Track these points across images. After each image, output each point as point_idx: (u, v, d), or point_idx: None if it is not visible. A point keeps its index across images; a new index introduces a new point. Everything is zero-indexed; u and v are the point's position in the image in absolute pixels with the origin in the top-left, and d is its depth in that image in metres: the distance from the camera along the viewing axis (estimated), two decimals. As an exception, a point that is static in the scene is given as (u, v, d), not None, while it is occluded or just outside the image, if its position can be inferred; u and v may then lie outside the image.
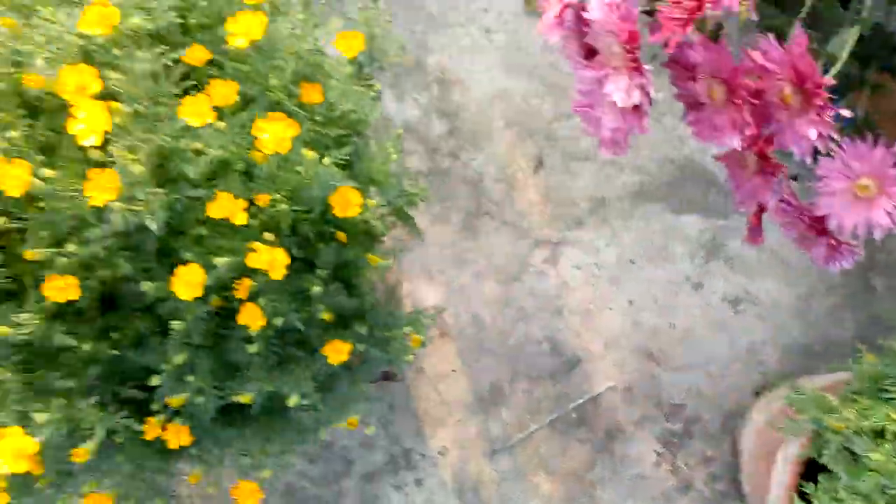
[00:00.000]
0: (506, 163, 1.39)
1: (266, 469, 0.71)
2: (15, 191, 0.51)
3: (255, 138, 0.57)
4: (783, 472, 0.98)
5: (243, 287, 0.61)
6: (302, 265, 0.69)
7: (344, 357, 0.67)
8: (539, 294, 1.37)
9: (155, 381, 0.61)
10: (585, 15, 0.76)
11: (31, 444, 0.50)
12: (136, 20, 0.57)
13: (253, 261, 0.59)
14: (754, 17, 0.71)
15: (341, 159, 0.64)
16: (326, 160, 0.61)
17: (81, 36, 0.56)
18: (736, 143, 0.71)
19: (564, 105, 1.40)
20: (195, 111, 0.55)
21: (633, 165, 1.39)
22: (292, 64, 0.62)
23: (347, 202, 0.64)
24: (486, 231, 1.37)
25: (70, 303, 0.55)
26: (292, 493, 1.31)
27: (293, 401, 0.65)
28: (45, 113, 0.57)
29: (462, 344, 1.36)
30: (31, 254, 0.54)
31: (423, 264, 1.36)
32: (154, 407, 0.64)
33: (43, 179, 0.51)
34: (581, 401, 1.36)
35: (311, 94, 0.65)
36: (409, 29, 1.39)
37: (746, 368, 1.36)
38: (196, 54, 0.60)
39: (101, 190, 0.52)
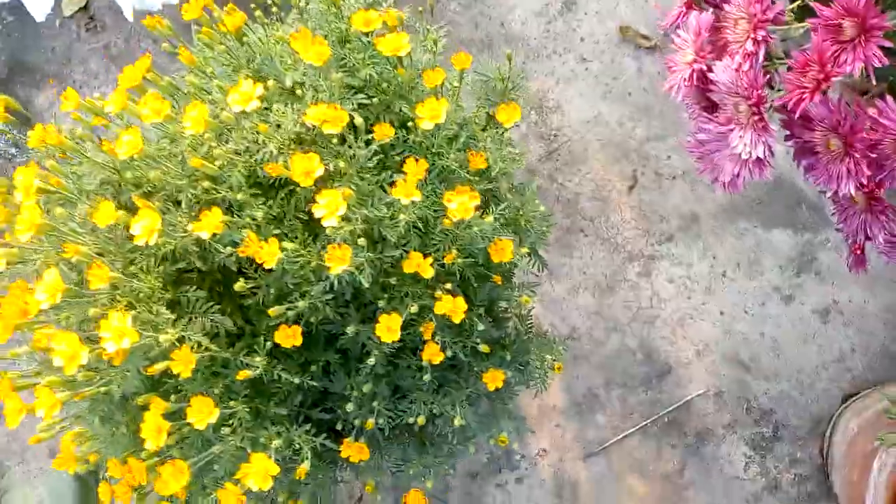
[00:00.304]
0: (601, 183, 1.47)
1: (429, 480, 0.82)
2: (270, 263, 0.62)
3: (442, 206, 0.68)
4: (880, 482, 1.05)
5: (428, 329, 0.71)
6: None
7: (500, 384, 0.77)
8: (633, 305, 1.46)
9: (349, 407, 0.73)
10: (711, 76, 0.84)
11: (273, 466, 0.61)
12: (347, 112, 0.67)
13: (439, 308, 0.70)
14: (873, 82, 0.78)
15: (499, 214, 0.74)
16: (489, 218, 0.70)
17: (304, 126, 0.66)
18: (852, 189, 0.78)
19: (656, 127, 1.47)
20: (404, 192, 0.66)
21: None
22: (463, 134, 0.72)
23: (503, 250, 0.74)
24: (581, 247, 1.46)
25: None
26: (402, 488, 1.43)
27: (458, 421, 0.76)
28: (273, 192, 0.68)
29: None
30: (273, 311, 0.65)
31: (522, 279, 1.46)
32: (339, 427, 0.76)
33: (283, 251, 0.62)
34: (673, 406, 1.44)
35: (477, 162, 0.75)
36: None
37: (835, 376, 1.43)
38: (383, 131, 0.71)
39: (337, 261, 0.63)
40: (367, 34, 0.72)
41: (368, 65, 0.72)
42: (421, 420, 0.76)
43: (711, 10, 0.90)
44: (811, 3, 0.76)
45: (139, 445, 0.65)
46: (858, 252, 0.95)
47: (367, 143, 0.68)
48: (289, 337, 0.67)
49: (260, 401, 0.70)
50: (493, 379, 0.77)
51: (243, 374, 0.65)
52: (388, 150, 0.71)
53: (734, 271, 1.45)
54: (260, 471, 0.61)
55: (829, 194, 0.85)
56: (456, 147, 0.74)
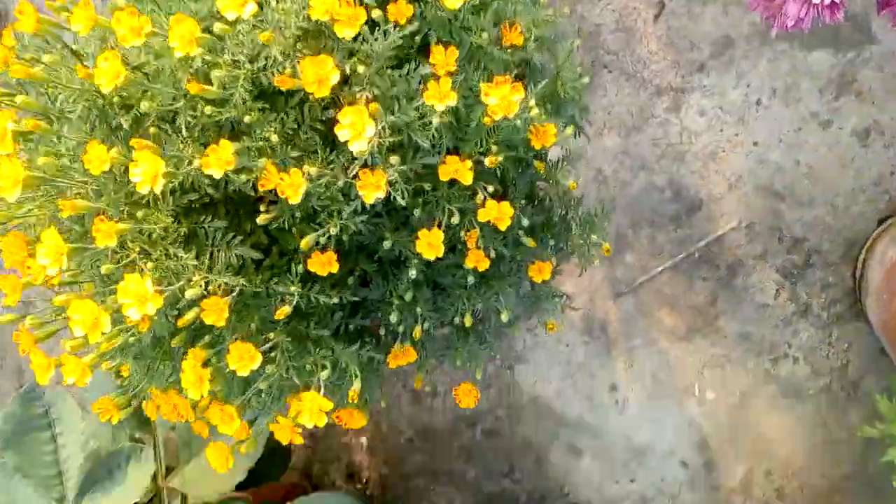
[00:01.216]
0: (624, 11, 1.33)
1: (477, 370, 0.81)
2: (295, 197, 0.55)
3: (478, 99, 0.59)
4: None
5: (472, 237, 0.66)
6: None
7: (547, 276, 0.73)
8: (661, 143, 1.38)
9: (393, 316, 0.69)
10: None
11: (326, 402, 0.59)
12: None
13: (483, 215, 0.64)
14: None
15: (538, 93, 0.65)
16: (533, 106, 0.62)
17: (310, 21, 0.56)
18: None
19: (684, -62, 1.31)
20: (437, 96, 0.57)
21: None
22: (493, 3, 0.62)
23: (545, 134, 0.67)
24: (605, 84, 1.36)
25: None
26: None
27: (504, 316, 0.73)
28: (282, 101, 0.59)
29: (585, 197, 1.41)
30: (304, 243, 0.59)
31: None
32: (381, 332, 0.73)
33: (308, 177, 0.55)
34: (704, 242, 1.41)
35: (513, 37, 0.64)
36: None
37: (872, 198, 1.38)
38: (401, 9, 0.60)
39: (371, 188, 0.56)
40: None
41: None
42: (468, 320, 0.73)
43: None
44: None
45: (178, 378, 0.63)
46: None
47: (385, 33, 0.59)
48: (324, 264, 0.62)
49: (299, 323, 0.66)
50: (539, 271, 0.73)
51: (282, 312, 0.61)
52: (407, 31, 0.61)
53: (769, 98, 1.35)
54: (313, 408, 0.59)
55: None
56: (485, 19, 0.64)
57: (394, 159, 0.58)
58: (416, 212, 0.64)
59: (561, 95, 0.73)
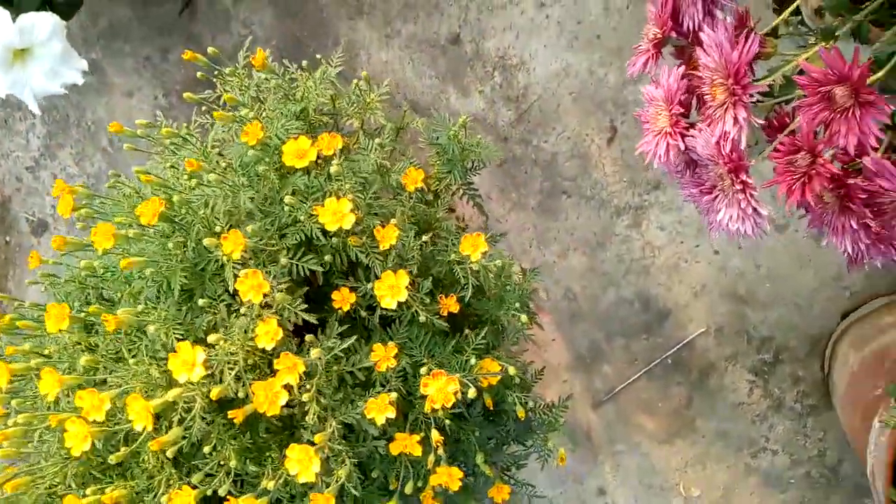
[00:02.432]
0: (578, 139, 1.38)
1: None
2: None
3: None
4: (881, 442, 1.08)
5: (427, 497, 0.70)
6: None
7: (506, 496, 0.77)
8: (626, 258, 1.43)
9: None
10: (689, 141, 0.77)
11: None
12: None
13: (434, 480, 0.68)
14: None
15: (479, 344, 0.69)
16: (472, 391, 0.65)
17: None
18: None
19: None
20: (377, 409, 0.62)
21: (708, 120, 1.36)
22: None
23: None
24: (566, 209, 1.40)
25: None
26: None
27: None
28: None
29: (558, 316, 1.45)
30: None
31: (509, 248, 1.42)
32: None
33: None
34: (675, 348, 1.46)
35: (449, 305, 0.68)
36: (462, 18, 1.33)
37: (833, 294, 1.43)
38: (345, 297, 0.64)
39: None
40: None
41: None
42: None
43: (679, 62, 0.79)
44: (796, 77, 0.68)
45: None
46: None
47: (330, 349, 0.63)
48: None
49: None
50: (500, 492, 0.77)
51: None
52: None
53: (725, 210, 1.40)
54: None
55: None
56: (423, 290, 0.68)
57: (342, 451, 0.62)
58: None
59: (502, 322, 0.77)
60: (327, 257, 0.67)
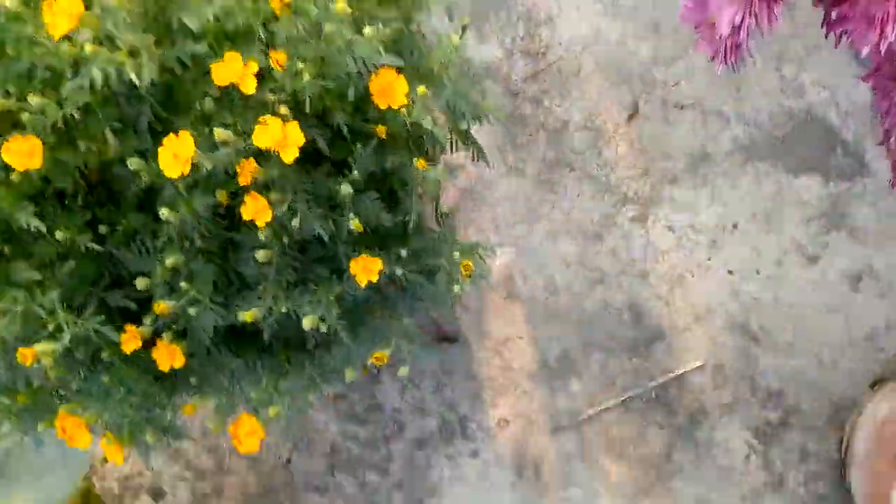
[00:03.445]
0: (594, 110, 1.25)
1: (274, 406, 0.62)
2: None
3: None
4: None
5: (246, 170, 0.51)
6: (333, 168, 0.59)
7: (374, 277, 0.56)
8: (622, 256, 1.23)
9: (141, 283, 0.53)
10: None
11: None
12: None
13: (259, 137, 0.49)
14: None
15: (388, 38, 0.52)
16: (368, 30, 0.50)
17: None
18: None
19: (666, 48, 1.24)
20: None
21: (743, 117, 1.21)
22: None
23: (392, 90, 0.53)
24: (566, 183, 1.24)
25: (47, 181, 0.47)
26: (337, 453, 1.24)
27: (308, 321, 0.55)
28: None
29: (531, 308, 1.24)
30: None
31: (493, 218, 1.24)
32: (145, 319, 0.56)
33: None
34: (663, 379, 1.21)
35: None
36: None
37: (863, 356, 1.17)
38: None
39: (63, 16, 0.43)
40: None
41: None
42: (249, 315, 0.56)
43: None
44: None
45: None
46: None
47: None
48: (24, 155, 0.47)
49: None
50: (364, 269, 0.57)
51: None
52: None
53: (748, 222, 1.21)
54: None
55: (865, 52, 0.62)
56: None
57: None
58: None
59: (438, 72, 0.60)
60: None
